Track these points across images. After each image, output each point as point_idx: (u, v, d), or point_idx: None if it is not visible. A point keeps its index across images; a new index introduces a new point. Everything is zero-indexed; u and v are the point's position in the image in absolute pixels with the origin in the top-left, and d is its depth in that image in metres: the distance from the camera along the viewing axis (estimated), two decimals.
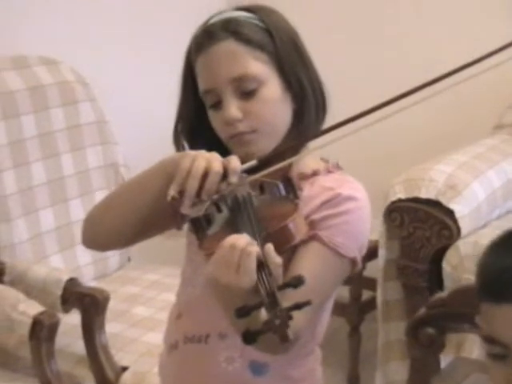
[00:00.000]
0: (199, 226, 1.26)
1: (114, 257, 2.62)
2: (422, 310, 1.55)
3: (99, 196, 2.53)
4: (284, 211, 1.23)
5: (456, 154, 2.55)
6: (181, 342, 1.41)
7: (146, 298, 2.40)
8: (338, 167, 1.41)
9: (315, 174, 1.38)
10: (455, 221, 2.34)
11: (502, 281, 1.01)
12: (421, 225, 2.39)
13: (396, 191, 2.42)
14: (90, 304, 2.11)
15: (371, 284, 2.66)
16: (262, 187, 1.29)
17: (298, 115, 1.39)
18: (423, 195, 2.38)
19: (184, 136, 1.44)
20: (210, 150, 1.32)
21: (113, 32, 2.93)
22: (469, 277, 2.26)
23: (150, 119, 2.96)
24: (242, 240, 1.16)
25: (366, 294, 2.88)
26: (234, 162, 1.24)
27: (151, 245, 2.75)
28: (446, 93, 3.15)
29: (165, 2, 3.15)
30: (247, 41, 1.35)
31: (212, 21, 1.39)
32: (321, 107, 1.41)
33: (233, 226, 1.23)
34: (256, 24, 1.38)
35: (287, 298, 1.10)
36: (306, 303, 1.07)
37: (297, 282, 1.10)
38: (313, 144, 1.37)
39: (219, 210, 1.27)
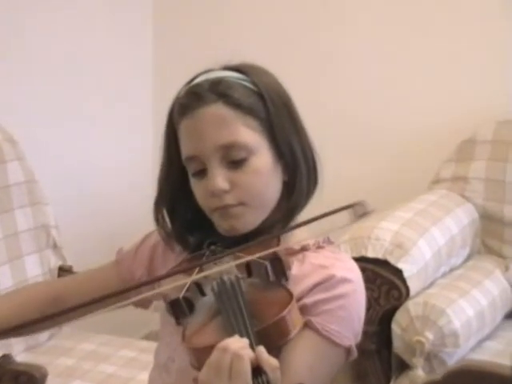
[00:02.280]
0: (179, 310, 1.15)
1: None
2: None
3: (29, 260, 2.39)
4: (278, 300, 1.13)
5: (398, 211, 2.51)
6: None
7: (83, 370, 2.25)
8: (328, 241, 1.31)
9: (304, 249, 1.28)
10: (404, 280, 2.29)
11: None
12: (369, 285, 2.32)
13: (342, 250, 2.35)
14: (25, 383, 1.95)
15: None
16: (248, 268, 1.19)
17: (289, 187, 1.29)
18: (370, 254, 2.32)
19: (165, 205, 1.32)
20: (190, 219, 1.25)
21: (43, 87, 2.80)
22: (420, 339, 2.21)
23: (83, 177, 2.84)
24: (234, 343, 1.07)
25: None
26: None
27: None
28: (382, 149, 3.16)
29: (99, 54, 3.05)
30: (237, 105, 1.24)
31: (198, 80, 1.28)
32: (312, 179, 1.31)
33: (220, 317, 1.13)
34: (247, 86, 1.27)
35: None
36: None
37: None
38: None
39: (202, 294, 1.17)
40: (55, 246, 2.50)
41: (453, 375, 1.41)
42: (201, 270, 1.18)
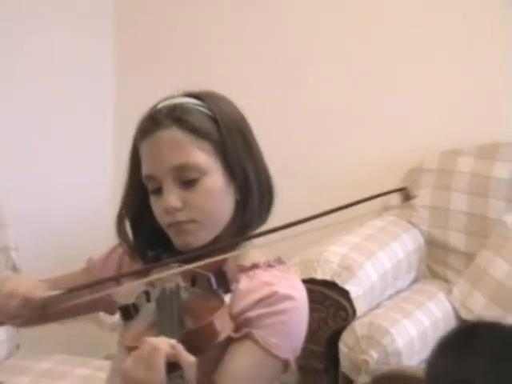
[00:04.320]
0: (127, 315, 1.26)
1: (1, 344, 2.50)
2: None
3: None
4: (210, 307, 1.23)
5: (347, 236, 2.61)
6: None
7: None
8: (279, 261, 1.40)
9: (254, 267, 1.37)
10: (350, 302, 2.38)
11: None
12: (318, 306, 2.41)
13: (291, 271, 2.44)
14: None
15: None
16: (193, 279, 1.29)
17: (241, 207, 1.38)
18: (319, 276, 2.41)
19: (128, 219, 1.42)
20: (152, 235, 1.35)
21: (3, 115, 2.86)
22: (365, 357, 2.30)
23: (43, 200, 2.90)
24: (156, 338, 1.16)
25: None
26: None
27: (41, 333, 2.66)
28: (333, 178, 3.20)
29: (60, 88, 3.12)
30: (192, 129, 1.34)
31: (159, 106, 1.38)
32: (266, 201, 1.40)
33: (155, 320, 1.23)
34: (203, 112, 1.36)
35: None
36: None
37: None
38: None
39: (148, 300, 1.27)
40: (15, 269, 2.55)
41: (379, 378, 1.47)
42: (156, 278, 1.29)
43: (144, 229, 1.41)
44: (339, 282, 2.40)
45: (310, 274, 2.43)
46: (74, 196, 3.11)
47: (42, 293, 1.37)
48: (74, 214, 3.09)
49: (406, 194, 1.36)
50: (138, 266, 1.45)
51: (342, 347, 2.38)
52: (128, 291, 1.33)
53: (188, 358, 1.15)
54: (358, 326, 2.36)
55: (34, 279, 1.41)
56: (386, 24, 3.01)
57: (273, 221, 1.42)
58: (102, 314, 2.36)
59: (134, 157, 1.40)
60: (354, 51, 3.06)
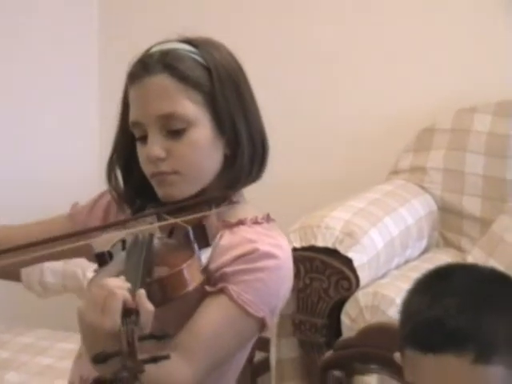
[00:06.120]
0: (102, 262, 1.26)
1: None
2: (330, 353, 1.46)
3: None
4: (180, 257, 1.22)
5: (352, 201, 2.43)
6: (77, 383, 1.38)
7: (19, 362, 2.21)
8: (267, 219, 1.36)
9: (240, 223, 1.33)
10: (354, 270, 2.21)
11: (431, 333, 1.02)
12: (318, 276, 2.25)
13: (291, 240, 2.27)
14: None
15: (264, 344, 2.49)
16: (171, 230, 1.29)
17: (230, 162, 1.34)
18: (320, 243, 2.25)
19: (119, 166, 1.40)
20: (141, 184, 1.34)
21: None
22: None
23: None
24: (113, 281, 1.14)
25: (258, 356, 2.70)
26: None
27: (21, 307, 2.54)
28: (340, 139, 3.09)
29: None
30: (182, 78, 1.30)
31: (151, 50, 1.34)
32: (257, 157, 1.36)
33: (123, 267, 1.22)
34: (196, 60, 1.32)
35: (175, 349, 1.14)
36: (164, 357, 1.05)
37: (161, 335, 1.09)
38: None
39: (123, 248, 1.27)
40: None
41: (365, 332, 1.42)
42: (133, 227, 1.29)
43: (134, 176, 1.38)
44: (341, 249, 2.23)
45: (309, 241, 2.27)
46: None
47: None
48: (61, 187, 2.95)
49: None
50: (123, 216, 1.43)
51: (345, 319, 2.21)
52: (108, 240, 1.31)
53: (146, 305, 1.13)
54: (362, 296, 2.20)
55: None
56: None
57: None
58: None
59: (125, 101, 1.37)
60: (365, 9, 2.89)
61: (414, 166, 2.69)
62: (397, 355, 1.11)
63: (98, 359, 1.04)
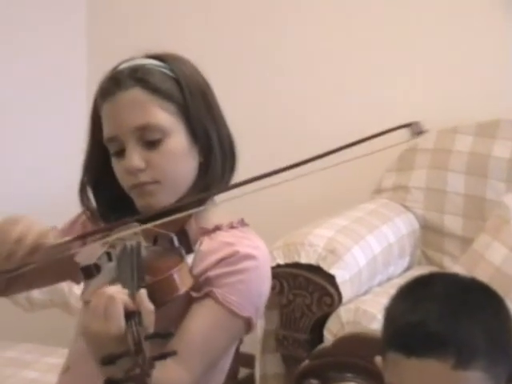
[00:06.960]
0: (89, 275, 1.26)
1: None
2: (306, 362, 1.50)
3: None
4: (170, 262, 1.24)
5: (335, 218, 2.47)
6: None
7: (3, 376, 2.19)
8: (242, 223, 1.40)
9: (217, 229, 1.37)
10: (336, 287, 2.24)
11: (413, 336, 1.05)
12: (301, 292, 2.28)
13: (275, 256, 2.30)
14: None
15: (248, 360, 2.51)
16: (155, 239, 1.31)
17: (204, 169, 1.38)
18: (303, 260, 2.28)
19: (89, 185, 1.42)
20: (114, 200, 1.37)
21: None
22: None
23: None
24: (110, 288, 1.16)
25: (242, 372, 2.72)
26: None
27: (7, 322, 2.54)
28: (324, 158, 3.09)
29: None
30: (154, 90, 1.34)
31: (120, 67, 1.38)
32: (228, 162, 1.40)
33: (116, 276, 1.23)
34: (165, 73, 1.37)
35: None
36: (172, 353, 1.08)
37: (166, 333, 1.13)
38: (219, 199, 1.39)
39: (110, 259, 1.28)
40: None
41: (341, 341, 1.44)
42: (117, 238, 1.30)
43: (105, 192, 1.41)
44: (324, 266, 2.26)
45: (293, 257, 2.30)
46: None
47: (52, 239, 1.34)
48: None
49: (415, 128, 1.31)
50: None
51: (327, 334, 2.24)
52: (90, 253, 1.32)
53: (147, 305, 1.15)
54: (344, 312, 2.23)
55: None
56: None
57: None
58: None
59: (95, 119, 1.40)
60: (355, 20, 2.94)
61: (397, 185, 2.72)
62: (378, 359, 1.14)
63: (106, 361, 1.07)
